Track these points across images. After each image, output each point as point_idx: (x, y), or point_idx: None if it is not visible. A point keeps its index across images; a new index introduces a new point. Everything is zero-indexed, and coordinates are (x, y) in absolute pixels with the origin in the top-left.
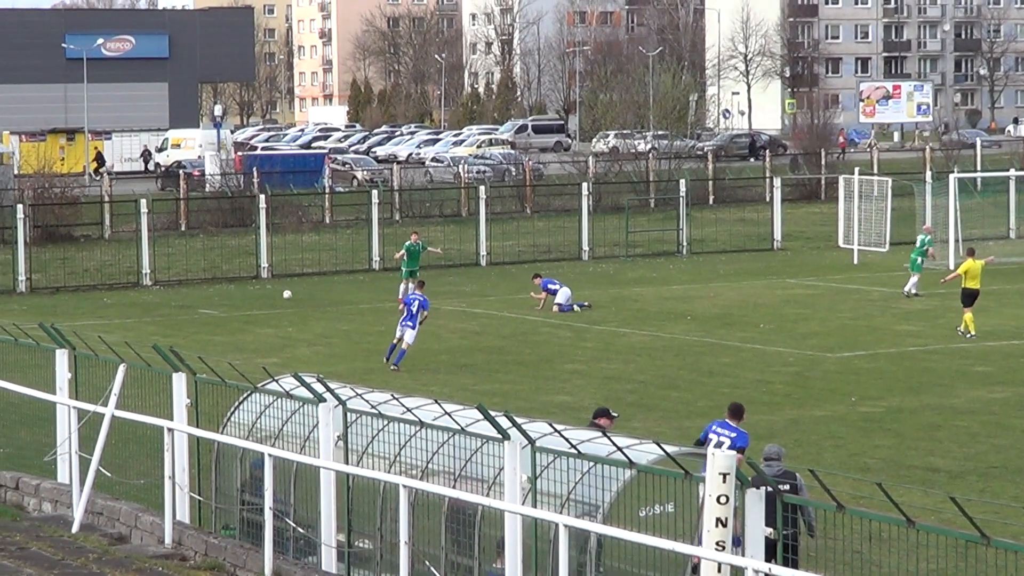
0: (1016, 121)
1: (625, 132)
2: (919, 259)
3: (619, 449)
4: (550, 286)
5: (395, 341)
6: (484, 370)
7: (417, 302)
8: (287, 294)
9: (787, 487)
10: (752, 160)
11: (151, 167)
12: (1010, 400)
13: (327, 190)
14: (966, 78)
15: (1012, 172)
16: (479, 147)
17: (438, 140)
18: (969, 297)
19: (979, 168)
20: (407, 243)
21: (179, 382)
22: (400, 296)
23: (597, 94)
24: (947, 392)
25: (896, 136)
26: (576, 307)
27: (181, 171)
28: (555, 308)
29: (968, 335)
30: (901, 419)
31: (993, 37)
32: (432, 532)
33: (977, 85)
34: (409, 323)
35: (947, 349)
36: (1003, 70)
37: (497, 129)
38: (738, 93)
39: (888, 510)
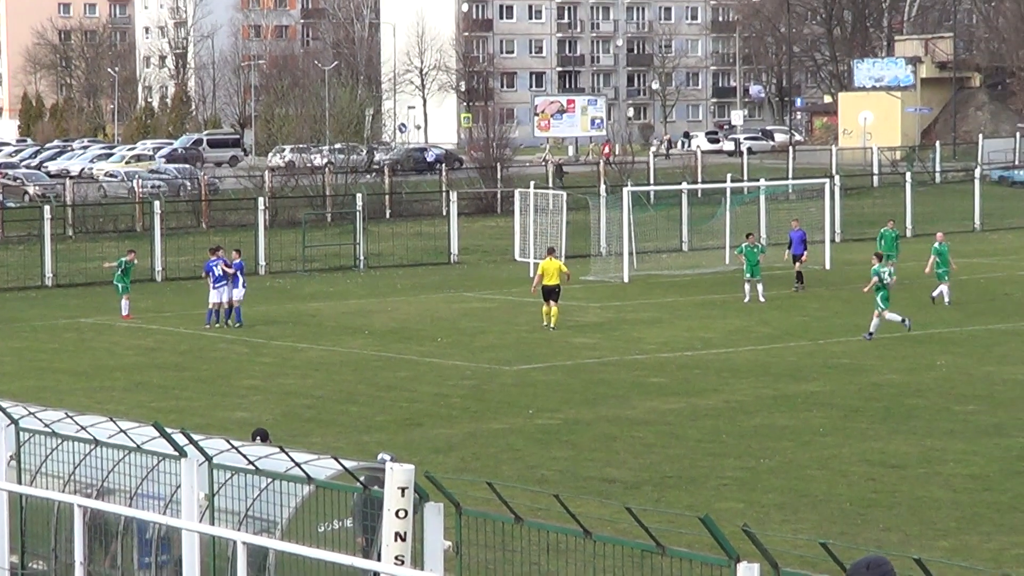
0: (687, 135)
1: (301, 146)
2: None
3: (297, 465)
4: None
5: (214, 306)
6: (160, 387)
7: (220, 264)
8: None
9: None
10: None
11: None
12: (684, 411)
13: None
14: (639, 92)
15: (684, 186)
16: (127, 163)
17: (111, 155)
18: (548, 293)
19: (652, 182)
20: (122, 258)
21: None
22: (126, 313)
23: (273, 108)
24: (623, 403)
25: (571, 150)
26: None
27: None
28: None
29: (550, 328)
30: (578, 431)
31: (665, 52)
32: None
33: (650, 99)
34: (223, 283)
35: (622, 361)
36: (675, 85)
37: (172, 143)
38: (414, 107)
39: (566, 521)
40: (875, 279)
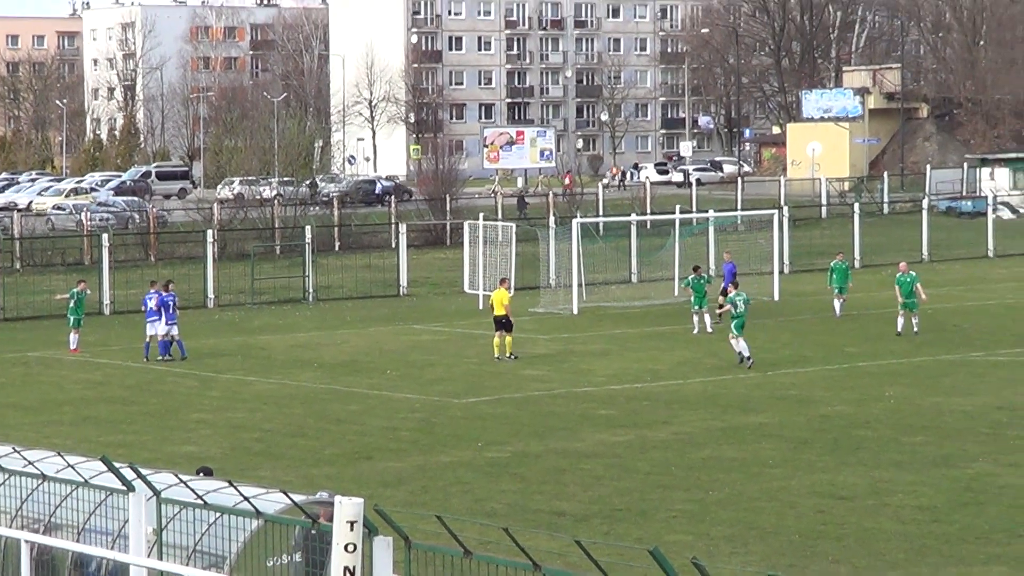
0: (636, 167)
1: (250, 178)
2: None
3: (246, 499)
4: None
5: (149, 339)
6: (108, 421)
7: (156, 298)
8: None
9: None
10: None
11: None
12: (633, 443)
13: None
14: (588, 124)
15: (633, 217)
16: (65, 196)
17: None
18: (499, 323)
19: (601, 213)
20: (74, 289)
21: None
22: (74, 347)
23: (222, 140)
24: (572, 436)
25: (520, 181)
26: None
27: None
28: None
29: (512, 357)
30: (527, 464)
31: (614, 84)
32: None
33: (599, 131)
34: (156, 317)
35: (571, 393)
36: (623, 116)
37: (121, 175)
38: (363, 139)
39: (515, 555)
40: (728, 307)
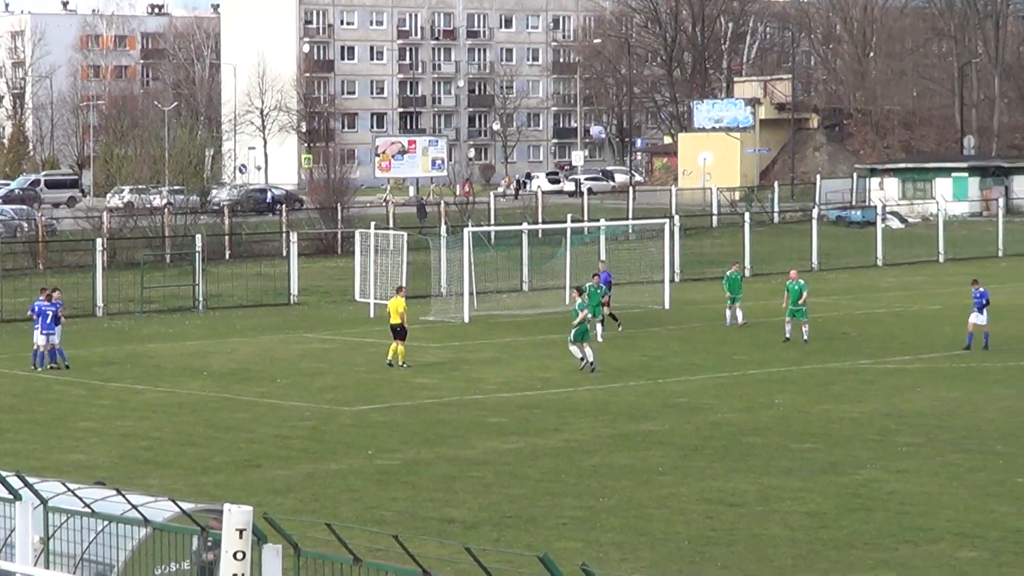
0: (529, 176)
1: (141, 187)
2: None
3: (134, 507)
4: None
5: (39, 348)
6: None
7: (40, 308)
8: None
9: None
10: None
11: None
12: (523, 450)
13: None
14: (480, 133)
15: (525, 226)
16: None
17: None
18: (394, 331)
19: (493, 222)
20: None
21: None
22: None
23: (112, 148)
24: (462, 443)
25: (411, 190)
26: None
27: None
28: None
29: (404, 366)
30: (417, 471)
31: (506, 93)
32: None
33: (491, 140)
34: (43, 328)
35: (462, 401)
36: (516, 126)
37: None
38: (255, 148)
39: (405, 562)
40: (583, 313)
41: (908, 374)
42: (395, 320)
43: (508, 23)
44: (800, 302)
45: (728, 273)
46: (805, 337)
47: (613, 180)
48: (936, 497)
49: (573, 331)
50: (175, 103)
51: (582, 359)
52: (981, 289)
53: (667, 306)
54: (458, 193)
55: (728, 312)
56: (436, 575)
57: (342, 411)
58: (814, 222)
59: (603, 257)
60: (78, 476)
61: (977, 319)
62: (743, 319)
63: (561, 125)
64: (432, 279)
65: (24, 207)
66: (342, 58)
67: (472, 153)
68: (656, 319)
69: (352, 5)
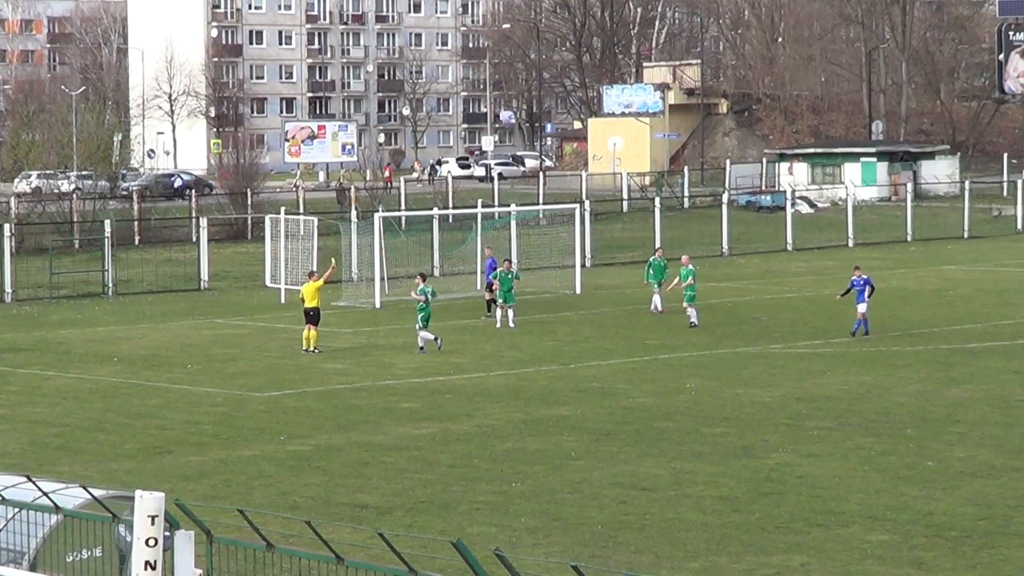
0: (439, 162)
1: (48, 172)
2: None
3: (44, 494)
4: None
5: None
6: None
7: None
8: None
9: None
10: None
11: None
12: (436, 436)
13: None
14: (390, 118)
15: (435, 211)
16: None
17: None
18: (307, 315)
19: (404, 207)
20: None
21: None
22: None
23: (19, 133)
24: (375, 429)
25: (321, 175)
26: None
27: None
28: None
29: (316, 351)
30: (330, 457)
31: (416, 78)
32: None
33: (401, 125)
34: None
35: (374, 387)
36: (425, 111)
37: None
38: (163, 133)
39: (318, 548)
40: (421, 297)
41: (818, 358)
42: (311, 304)
43: (417, 8)
44: (684, 285)
45: (651, 259)
46: (693, 320)
47: (523, 165)
48: (847, 481)
49: (419, 317)
50: (83, 88)
51: (435, 338)
52: (864, 276)
53: (578, 291)
54: (381, 177)
55: (656, 298)
56: (350, 561)
57: (254, 397)
58: (724, 207)
59: (514, 244)
60: None
61: (861, 306)
62: (662, 306)
63: (471, 110)
64: (343, 264)
65: None
66: (250, 43)
67: (382, 138)
68: (567, 304)
69: None
